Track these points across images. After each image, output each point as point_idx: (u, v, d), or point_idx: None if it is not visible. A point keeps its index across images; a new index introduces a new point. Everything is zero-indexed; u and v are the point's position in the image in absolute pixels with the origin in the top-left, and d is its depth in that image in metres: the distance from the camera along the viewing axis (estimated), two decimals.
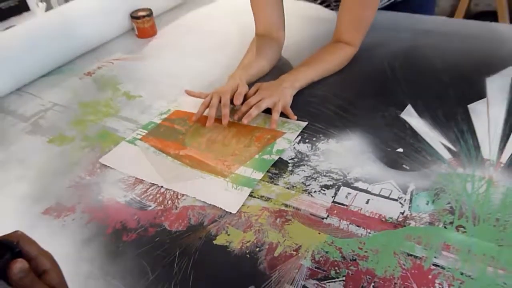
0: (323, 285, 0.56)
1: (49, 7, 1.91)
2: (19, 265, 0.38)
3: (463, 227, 0.61)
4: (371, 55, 1.01)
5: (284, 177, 0.73)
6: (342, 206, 0.66)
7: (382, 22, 1.09)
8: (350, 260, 0.58)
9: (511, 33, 1.04)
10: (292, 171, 0.73)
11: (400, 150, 0.75)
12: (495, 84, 0.87)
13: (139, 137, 0.85)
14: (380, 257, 0.58)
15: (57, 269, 0.43)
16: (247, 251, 0.61)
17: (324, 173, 0.72)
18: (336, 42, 0.98)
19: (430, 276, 0.55)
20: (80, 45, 1.17)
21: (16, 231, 0.42)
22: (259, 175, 0.73)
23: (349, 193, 0.68)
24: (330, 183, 0.70)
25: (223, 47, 1.13)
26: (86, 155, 0.82)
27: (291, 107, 0.86)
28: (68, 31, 1.13)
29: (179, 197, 0.71)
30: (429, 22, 1.12)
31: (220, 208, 0.68)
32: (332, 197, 0.68)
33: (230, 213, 0.67)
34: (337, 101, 0.88)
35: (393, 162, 0.73)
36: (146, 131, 0.86)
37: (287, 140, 0.80)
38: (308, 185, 0.70)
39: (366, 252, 0.59)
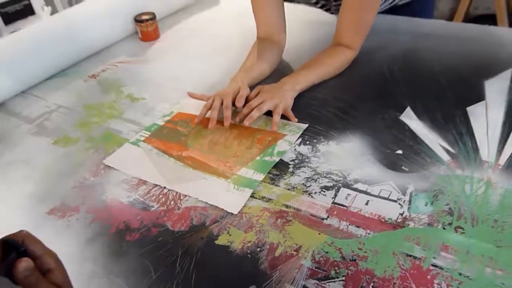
0: (323, 285, 0.56)
1: (54, 11, 1.92)
2: (25, 264, 0.38)
3: (462, 228, 0.61)
4: (371, 58, 1.01)
5: (285, 178, 0.73)
6: (342, 207, 0.66)
7: (381, 26, 1.09)
8: (350, 260, 0.58)
9: (510, 37, 1.04)
10: (292, 173, 0.74)
11: (400, 152, 0.75)
12: (493, 87, 0.87)
13: (143, 138, 0.85)
14: (379, 258, 0.58)
15: (62, 268, 0.43)
16: (248, 251, 0.61)
17: (324, 175, 0.72)
18: (336, 45, 0.98)
19: (429, 277, 0.55)
20: (85, 48, 1.17)
21: (21, 231, 0.42)
22: (260, 176, 0.73)
23: (349, 194, 0.68)
24: (330, 184, 0.71)
25: (225, 50, 1.14)
26: (90, 156, 0.82)
27: (292, 109, 0.86)
28: (73, 35, 1.13)
29: (181, 197, 0.71)
30: (428, 26, 1.12)
31: (222, 209, 0.68)
32: (332, 198, 0.68)
33: (232, 213, 0.67)
34: (337, 103, 0.89)
35: (392, 164, 0.73)
36: (149, 133, 0.86)
37: (288, 142, 0.80)
38: (309, 186, 0.71)
39: (365, 252, 0.59)
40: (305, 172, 0.73)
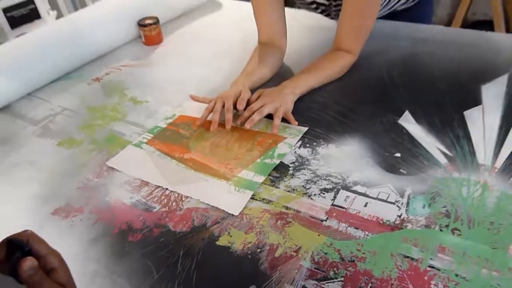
0: (322, 285, 0.56)
1: (59, 15, 1.93)
2: (29, 263, 0.38)
3: (458, 230, 0.61)
4: (370, 63, 1.01)
5: (285, 181, 0.73)
6: (341, 209, 0.66)
7: (381, 31, 1.09)
8: (349, 261, 0.58)
9: (507, 42, 1.04)
10: (292, 175, 0.74)
11: (398, 155, 0.75)
12: (490, 92, 0.87)
13: (145, 141, 0.85)
14: (377, 259, 0.58)
15: (65, 267, 0.43)
16: (249, 252, 0.61)
17: (324, 177, 0.73)
18: (336, 50, 0.98)
19: (426, 278, 0.55)
20: (89, 52, 1.18)
21: (26, 230, 0.43)
22: (260, 178, 0.73)
23: (348, 196, 0.68)
24: (330, 186, 0.71)
25: (227, 54, 1.14)
26: (94, 158, 0.83)
27: (292, 112, 0.86)
28: (78, 39, 1.13)
29: (183, 199, 0.71)
30: (426, 31, 1.12)
31: (223, 210, 0.68)
32: (332, 200, 0.68)
33: (233, 215, 0.67)
34: (337, 107, 0.89)
35: (391, 167, 0.73)
36: (152, 135, 0.87)
37: (288, 145, 0.80)
38: (308, 188, 0.71)
39: (364, 253, 0.59)
40: (305, 175, 0.73)
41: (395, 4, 1.11)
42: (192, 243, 0.63)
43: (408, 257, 0.58)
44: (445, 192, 0.67)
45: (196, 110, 0.91)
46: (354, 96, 0.92)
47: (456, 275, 0.55)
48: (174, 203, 0.71)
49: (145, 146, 0.84)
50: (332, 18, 1.19)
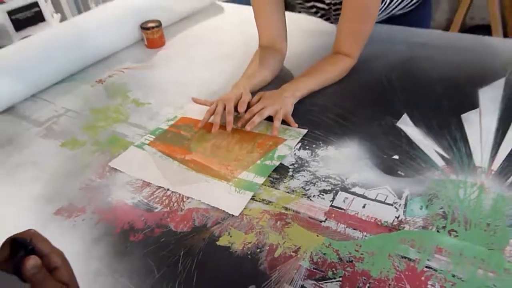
0: (321, 285, 0.56)
1: (63, 18, 1.93)
2: (32, 261, 0.38)
3: (455, 231, 0.61)
4: (369, 66, 1.01)
5: (284, 182, 0.73)
6: (339, 210, 0.67)
7: (379, 35, 1.10)
8: (347, 261, 0.59)
9: (503, 47, 1.04)
10: (292, 176, 0.74)
11: (396, 157, 0.75)
12: (487, 95, 0.87)
13: (147, 142, 0.85)
14: (375, 259, 0.58)
15: (68, 266, 0.43)
16: (249, 252, 0.61)
17: (323, 179, 0.73)
18: (336, 53, 0.98)
19: (423, 278, 0.55)
20: (92, 54, 1.18)
21: (29, 229, 0.43)
22: (260, 180, 0.73)
23: (346, 198, 0.69)
24: (329, 188, 0.71)
25: (228, 57, 1.14)
26: (97, 158, 0.83)
27: (292, 115, 0.87)
28: (81, 41, 1.14)
29: (184, 199, 0.71)
30: (425, 35, 1.13)
31: (223, 211, 0.68)
32: (330, 201, 0.68)
33: (233, 215, 0.67)
34: (336, 110, 0.89)
35: (389, 169, 0.73)
36: (154, 137, 0.87)
37: (288, 147, 0.80)
38: (308, 189, 0.71)
39: (362, 254, 0.59)
40: (304, 176, 0.74)
41: (393, 9, 1.12)
42: (193, 243, 0.63)
43: (405, 257, 0.58)
44: (442, 194, 0.67)
45: (197, 112, 0.91)
46: (353, 99, 0.92)
47: (453, 276, 0.55)
48: (175, 204, 0.71)
49: (147, 148, 0.84)
50: (331, 22, 1.20)
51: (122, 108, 0.98)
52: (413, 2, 1.13)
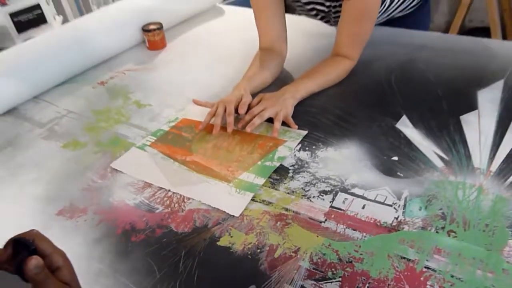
0: (320, 285, 0.56)
1: (65, 20, 1.93)
2: (35, 261, 0.38)
3: (454, 232, 0.61)
4: (368, 68, 1.01)
5: (284, 183, 0.73)
6: (339, 210, 0.67)
7: (379, 37, 1.10)
8: (346, 262, 0.59)
9: (502, 49, 1.04)
10: (292, 177, 0.74)
11: (395, 158, 0.75)
12: (486, 97, 0.87)
13: (148, 143, 0.86)
14: (374, 260, 0.58)
15: (70, 266, 0.43)
16: (249, 252, 0.61)
17: (323, 180, 0.73)
18: (335, 55, 0.98)
19: (422, 278, 0.55)
20: (94, 56, 1.18)
21: (32, 230, 0.43)
22: (261, 181, 0.73)
23: (346, 199, 0.69)
24: (328, 189, 0.71)
25: (229, 59, 1.14)
26: (98, 159, 0.83)
27: (292, 116, 0.87)
28: (83, 43, 1.14)
29: (185, 200, 0.71)
30: (424, 38, 1.13)
31: (224, 211, 0.68)
32: (330, 202, 0.68)
33: (233, 216, 0.67)
34: (336, 111, 0.89)
35: (388, 170, 0.73)
36: (155, 138, 0.87)
37: (288, 148, 0.81)
38: (307, 190, 0.71)
39: (361, 254, 0.59)
40: (304, 177, 0.74)
41: (392, 12, 1.12)
42: (194, 244, 0.63)
43: (404, 258, 0.58)
44: (441, 195, 0.67)
45: (198, 114, 0.91)
46: (353, 101, 0.92)
47: (452, 276, 0.55)
48: (176, 204, 0.71)
49: (148, 149, 0.84)
50: (331, 25, 1.20)
51: (123, 110, 0.98)
52: (412, 4, 1.13)
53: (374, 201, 0.68)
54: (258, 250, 0.62)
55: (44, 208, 0.73)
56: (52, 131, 0.93)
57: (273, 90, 0.92)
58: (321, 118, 0.87)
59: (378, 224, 0.64)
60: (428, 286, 0.54)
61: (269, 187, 0.72)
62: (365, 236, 0.62)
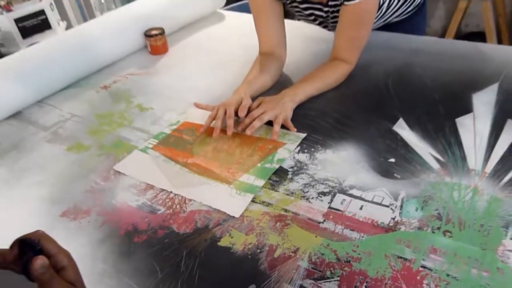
0: (319, 285, 0.56)
1: (69, 26, 1.94)
2: (40, 261, 0.39)
3: (450, 232, 0.61)
4: (366, 72, 1.02)
5: (284, 184, 0.73)
6: (337, 211, 0.67)
7: (376, 42, 1.10)
8: (344, 261, 0.59)
9: (497, 53, 1.04)
10: (291, 179, 0.74)
11: (392, 160, 0.76)
12: (481, 100, 0.87)
13: (151, 146, 0.86)
14: (372, 259, 0.59)
15: (74, 266, 0.43)
16: (249, 253, 0.62)
17: (321, 181, 0.73)
18: (334, 60, 0.99)
19: (418, 277, 0.56)
20: (97, 61, 1.19)
21: (37, 231, 0.43)
22: (261, 182, 0.74)
23: (344, 200, 0.69)
24: (327, 190, 0.71)
25: (229, 64, 1.15)
26: (101, 162, 0.83)
27: (291, 119, 0.87)
28: (86, 48, 1.15)
29: (186, 202, 0.72)
30: (420, 42, 1.13)
31: (225, 213, 0.69)
32: (328, 203, 0.69)
33: (234, 217, 0.68)
34: (335, 114, 0.89)
35: (385, 171, 0.74)
36: (157, 141, 0.87)
37: (287, 150, 0.81)
38: (306, 191, 0.71)
39: (359, 254, 0.60)
40: (303, 179, 0.74)
41: (389, 17, 1.12)
42: (195, 244, 0.64)
43: (401, 257, 0.58)
44: (437, 196, 0.67)
45: (199, 117, 0.92)
46: (351, 104, 0.93)
47: (447, 275, 0.55)
48: (178, 206, 0.71)
49: (150, 151, 0.84)
50: (329, 30, 1.20)
51: (126, 113, 0.99)
52: (409, 9, 1.13)
53: (372, 202, 0.68)
54: (258, 250, 0.62)
55: (49, 210, 0.73)
56: (56, 134, 0.94)
57: (273, 94, 0.92)
58: (320, 121, 0.88)
59: (376, 224, 0.64)
60: (424, 285, 0.55)
61: (269, 189, 0.73)
62: (362, 236, 0.62)
